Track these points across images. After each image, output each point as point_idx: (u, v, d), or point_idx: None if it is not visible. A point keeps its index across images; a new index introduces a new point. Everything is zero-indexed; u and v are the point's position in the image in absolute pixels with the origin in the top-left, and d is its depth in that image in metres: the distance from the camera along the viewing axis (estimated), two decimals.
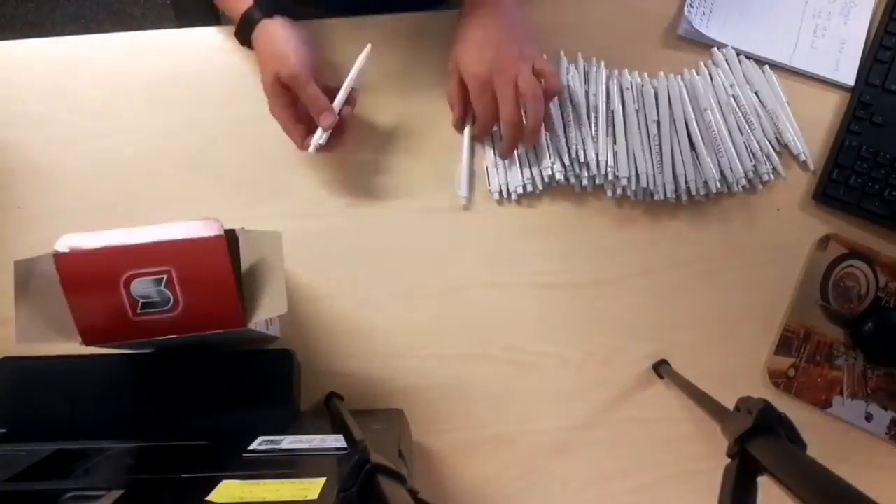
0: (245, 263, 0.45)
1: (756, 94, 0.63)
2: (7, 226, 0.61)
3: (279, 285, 0.45)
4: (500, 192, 0.62)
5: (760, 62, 0.64)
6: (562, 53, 0.63)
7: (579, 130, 0.61)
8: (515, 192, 0.62)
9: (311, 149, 0.56)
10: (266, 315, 0.45)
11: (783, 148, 0.63)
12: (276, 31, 0.56)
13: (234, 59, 0.64)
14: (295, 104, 0.57)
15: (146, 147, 0.62)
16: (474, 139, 0.63)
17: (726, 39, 0.64)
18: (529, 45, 0.58)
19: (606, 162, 0.61)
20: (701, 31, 0.64)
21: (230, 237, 0.44)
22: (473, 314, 0.61)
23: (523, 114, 0.57)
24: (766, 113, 0.63)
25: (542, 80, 0.57)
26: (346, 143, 0.58)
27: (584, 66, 0.63)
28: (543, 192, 0.62)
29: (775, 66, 0.64)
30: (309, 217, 0.61)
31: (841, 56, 0.65)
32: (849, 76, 0.64)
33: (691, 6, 0.65)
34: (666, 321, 0.61)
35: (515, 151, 0.61)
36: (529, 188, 0.62)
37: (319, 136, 0.56)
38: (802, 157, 0.63)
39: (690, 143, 0.62)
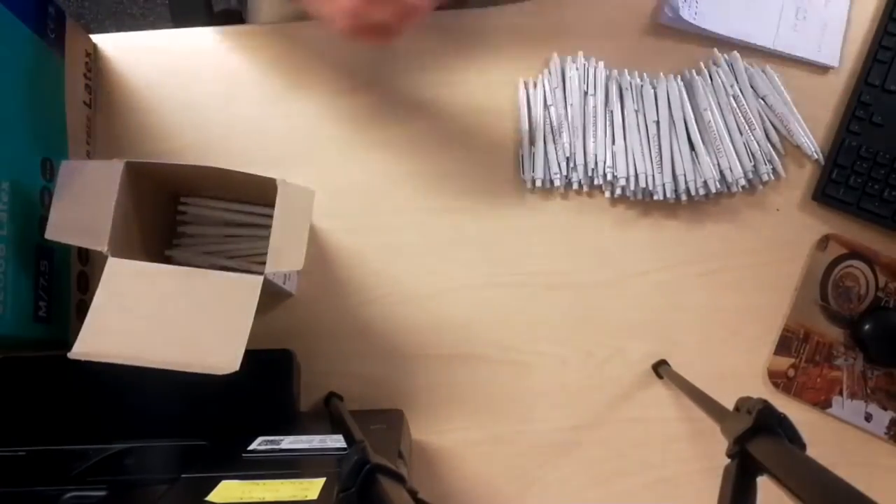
0: (277, 213, 0.46)
1: (763, 99, 0.63)
2: None
3: (301, 241, 0.47)
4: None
5: (749, 49, 0.64)
6: (555, 55, 0.63)
7: (578, 130, 0.61)
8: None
9: None
10: (285, 267, 0.46)
11: (795, 149, 0.63)
12: None
13: (234, 60, 0.64)
14: None
15: (146, 149, 0.62)
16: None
17: (708, 25, 0.64)
18: None
19: (605, 162, 0.61)
20: (684, 18, 0.63)
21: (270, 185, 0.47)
22: (473, 314, 0.61)
23: None
24: (776, 116, 0.63)
25: None
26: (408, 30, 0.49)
27: (584, 66, 0.63)
28: (542, 192, 0.62)
29: (759, 50, 0.64)
30: None
31: (823, 38, 0.65)
32: (832, 57, 0.65)
33: None
34: (666, 321, 0.61)
35: None
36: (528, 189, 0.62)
37: None
38: (815, 157, 0.63)
39: (690, 144, 0.62)
